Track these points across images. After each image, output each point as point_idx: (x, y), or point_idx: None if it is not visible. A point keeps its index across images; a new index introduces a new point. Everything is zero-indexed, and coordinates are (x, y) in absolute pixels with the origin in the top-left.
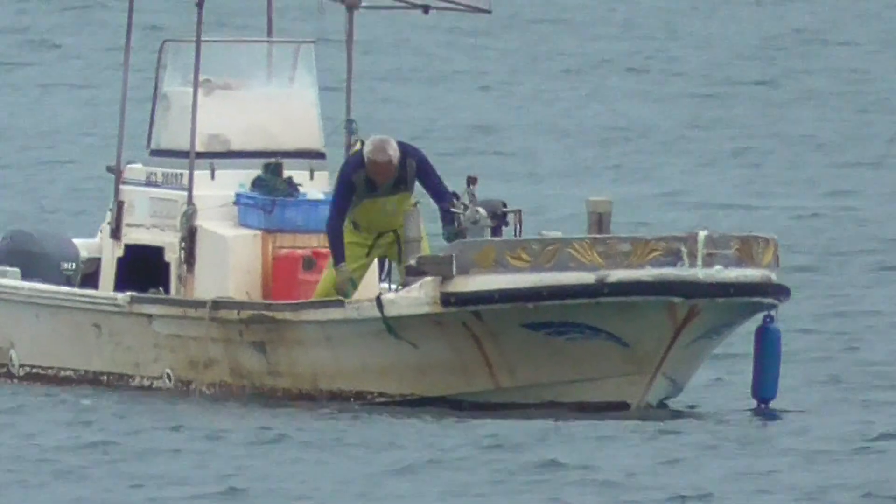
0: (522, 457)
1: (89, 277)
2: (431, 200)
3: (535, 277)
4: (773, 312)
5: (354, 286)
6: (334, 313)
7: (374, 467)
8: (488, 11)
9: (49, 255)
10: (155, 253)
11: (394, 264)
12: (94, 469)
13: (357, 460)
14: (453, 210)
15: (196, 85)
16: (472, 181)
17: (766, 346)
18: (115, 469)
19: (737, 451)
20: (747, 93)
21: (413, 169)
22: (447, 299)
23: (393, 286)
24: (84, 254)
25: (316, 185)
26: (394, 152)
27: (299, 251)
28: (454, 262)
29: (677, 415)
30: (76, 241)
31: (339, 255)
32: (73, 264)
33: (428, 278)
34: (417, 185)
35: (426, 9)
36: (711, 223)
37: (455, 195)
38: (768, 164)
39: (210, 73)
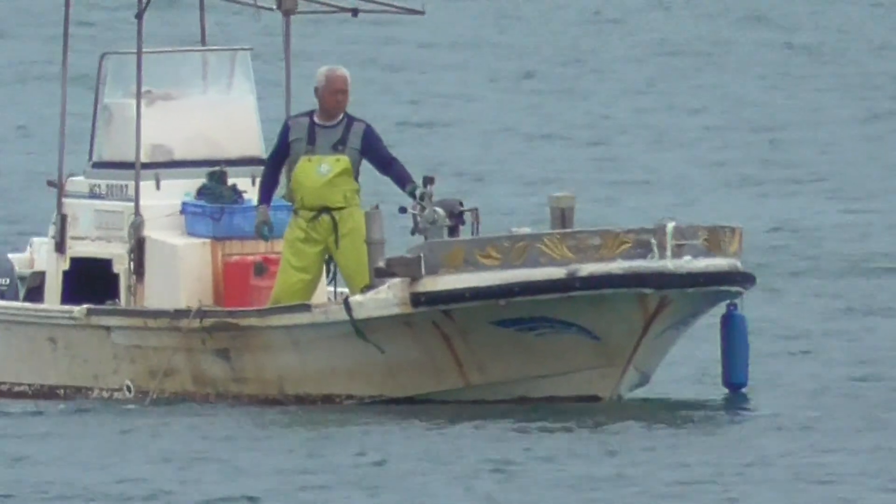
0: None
1: (34, 291)
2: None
3: (506, 274)
4: (736, 300)
5: (270, 230)
6: (301, 318)
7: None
8: (421, 13)
9: None
10: (101, 265)
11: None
12: None
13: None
14: (412, 212)
15: (139, 96)
16: (429, 181)
17: (733, 333)
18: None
19: (712, 439)
20: None
21: (359, 134)
22: (417, 299)
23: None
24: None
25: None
26: (348, 79)
27: (249, 257)
28: (423, 262)
29: (649, 405)
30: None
31: (262, 196)
32: (8, 280)
33: (396, 279)
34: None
35: (355, 12)
36: None
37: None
38: None
39: (150, 83)
